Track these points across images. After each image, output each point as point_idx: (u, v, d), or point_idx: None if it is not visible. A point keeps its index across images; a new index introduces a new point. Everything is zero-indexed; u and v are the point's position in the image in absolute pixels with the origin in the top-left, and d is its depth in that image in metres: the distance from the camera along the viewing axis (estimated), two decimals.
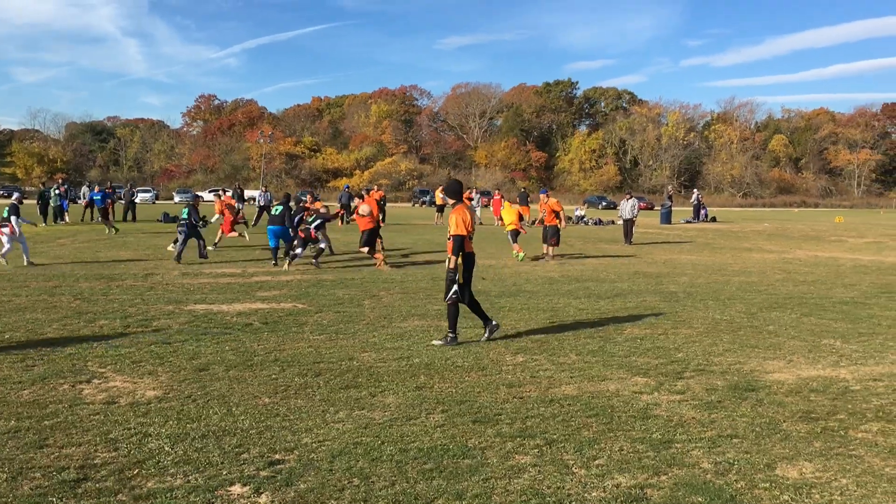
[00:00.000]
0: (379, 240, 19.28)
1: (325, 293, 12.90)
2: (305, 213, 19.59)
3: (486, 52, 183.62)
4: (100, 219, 30.46)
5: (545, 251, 19.99)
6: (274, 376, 7.38)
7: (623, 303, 12.36)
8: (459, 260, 8.83)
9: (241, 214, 24.51)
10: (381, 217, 34.55)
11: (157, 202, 72.71)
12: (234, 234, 23.40)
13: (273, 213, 18.35)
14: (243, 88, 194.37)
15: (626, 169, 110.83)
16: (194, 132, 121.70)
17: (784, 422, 6.24)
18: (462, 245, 8.82)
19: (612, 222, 41.40)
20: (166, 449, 5.38)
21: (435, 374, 7.53)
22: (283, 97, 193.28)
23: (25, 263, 16.85)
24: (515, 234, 20.50)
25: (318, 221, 18.08)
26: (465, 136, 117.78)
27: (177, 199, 75.26)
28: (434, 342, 8.92)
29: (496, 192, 43.60)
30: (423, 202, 77.61)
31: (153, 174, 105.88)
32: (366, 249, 17.59)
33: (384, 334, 9.46)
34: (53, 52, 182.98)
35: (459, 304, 8.94)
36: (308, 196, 21.72)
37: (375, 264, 17.23)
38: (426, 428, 5.90)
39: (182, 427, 5.84)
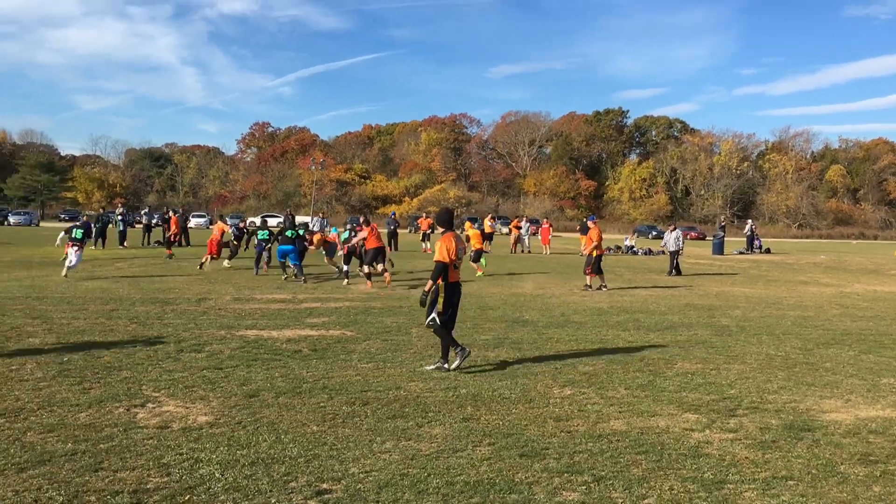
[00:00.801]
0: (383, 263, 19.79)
1: (373, 321, 12.98)
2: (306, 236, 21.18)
3: (536, 80, 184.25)
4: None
5: (597, 281, 19.77)
6: (322, 404, 7.43)
7: (673, 336, 12.19)
8: (438, 285, 8.88)
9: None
10: (425, 244, 37.23)
11: (210, 227, 74.09)
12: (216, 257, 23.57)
13: (288, 235, 20.56)
14: (296, 116, 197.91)
15: (678, 198, 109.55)
16: (248, 159, 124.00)
17: (841, 464, 6.07)
18: (442, 272, 8.79)
19: (662, 252, 40.92)
20: (217, 475, 5.45)
21: (482, 406, 7.50)
22: (335, 125, 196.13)
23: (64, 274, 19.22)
24: (478, 254, 23.27)
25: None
26: (514, 163, 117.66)
27: (229, 222, 76.74)
28: (426, 367, 9.04)
29: (545, 220, 43.84)
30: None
31: (208, 199, 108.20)
32: (379, 267, 18.89)
33: (431, 363, 9.47)
34: (114, 81, 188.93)
35: (444, 329, 8.97)
36: (319, 227, 24.20)
37: (368, 284, 18.38)
38: (473, 461, 5.88)
39: (232, 454, 5.92)
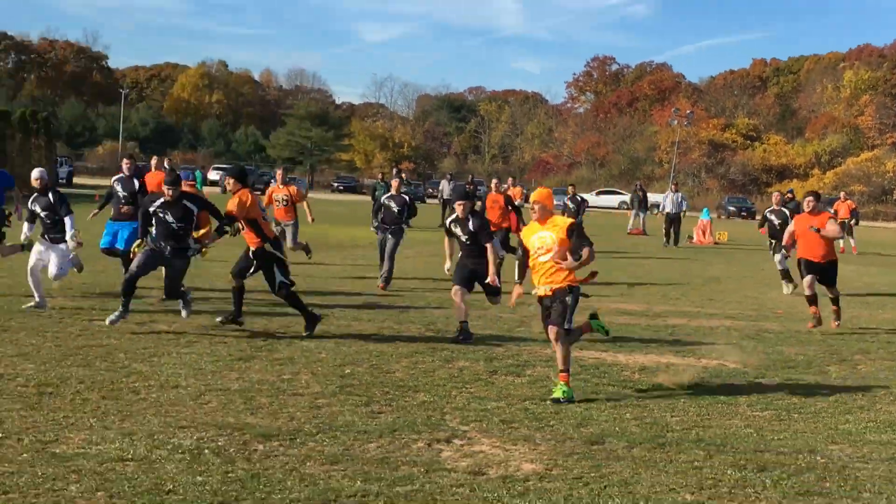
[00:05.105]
0: None
1: (766, 349, 10.59)
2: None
3: None
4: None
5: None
6: (697, 463, 6.04)
7: None
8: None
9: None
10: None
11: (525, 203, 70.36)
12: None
13: None
14: (653, 48, 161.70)
15: None
16: (581, 109, 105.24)
17: None
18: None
19: None
20: None
21: None
22: (709, 60, 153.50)
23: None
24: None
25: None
26: None
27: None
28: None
29: None
30: None
31: (523, 167, 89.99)
32: None
33: (864, 419, 7.48)
34: (406, 1, 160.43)
35: None
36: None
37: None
38: None
39: None
